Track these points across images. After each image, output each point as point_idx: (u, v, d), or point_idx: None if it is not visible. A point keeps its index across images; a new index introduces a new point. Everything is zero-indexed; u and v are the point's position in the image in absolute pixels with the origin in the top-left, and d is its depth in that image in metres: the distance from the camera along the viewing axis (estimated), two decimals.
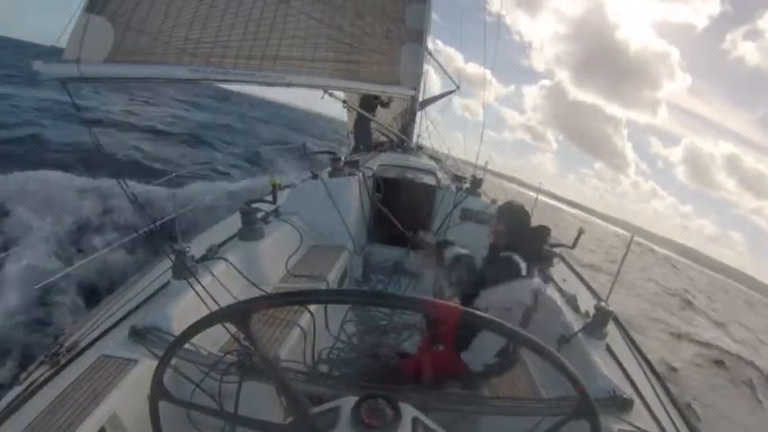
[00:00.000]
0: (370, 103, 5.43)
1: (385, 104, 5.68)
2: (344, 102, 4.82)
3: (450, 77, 6.22)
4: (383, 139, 6.13)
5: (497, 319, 0.67)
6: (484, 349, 1.69)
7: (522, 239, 1.77)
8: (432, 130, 6.28)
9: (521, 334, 0.69)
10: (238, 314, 0.72)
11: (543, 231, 1.85)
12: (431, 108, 6.31)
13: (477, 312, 0.67)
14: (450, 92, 6.28)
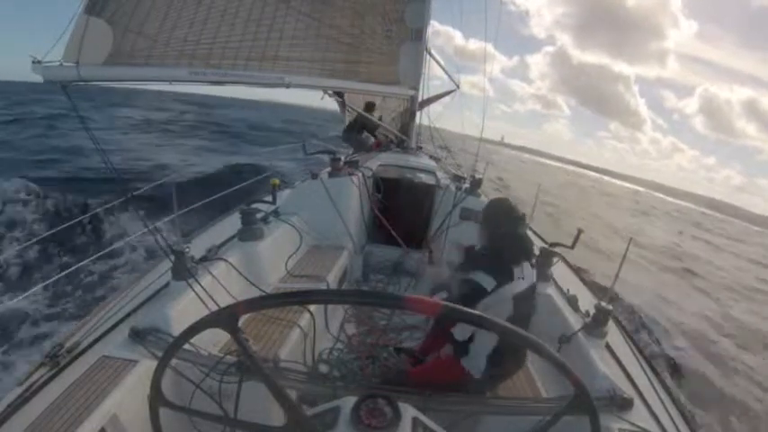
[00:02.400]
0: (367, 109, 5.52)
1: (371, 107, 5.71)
2: (342, 102, 4.82)
3: (450, 77, 6.20)
4: (381, 138, 6.11)
5: (483, 314, 0.67)
6: (478, 352, 1.67)
7: (502, 240, 1.68)
8: (432, 129, 6.27)
9: (509, 328, 0.68)
10: (223, 320, 0.73)
11: (519, 220, 1.75)
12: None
13: (463, 308, 0.66)
14: (451, 91, 6.26)
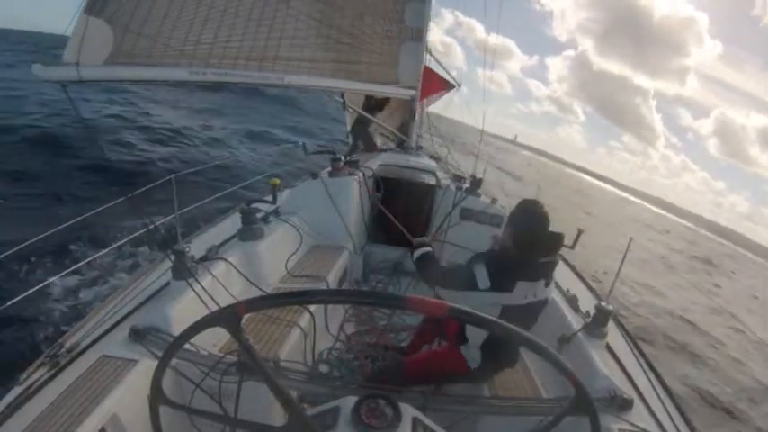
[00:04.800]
0: (370, 106, 5.48)
1: (380, 107, 5.69)
2: (343, 103, 4.81)
3: (451, 77, 6.22)
4: (379, 143, 6.11)
5: (490, 317, 0.67)
6: (472, 342, 1.69)
7: (533, 247, 1.54)
8: (432, 133, 6.29)
9: (511, 329, 0.69)
10: (226, 318, 0.73)
11: (558, 239, 1.62)
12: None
13: (470, 310, 0.66)
14: (452, 88, 6.28)
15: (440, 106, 6.53)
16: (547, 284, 1.64)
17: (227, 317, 0.73)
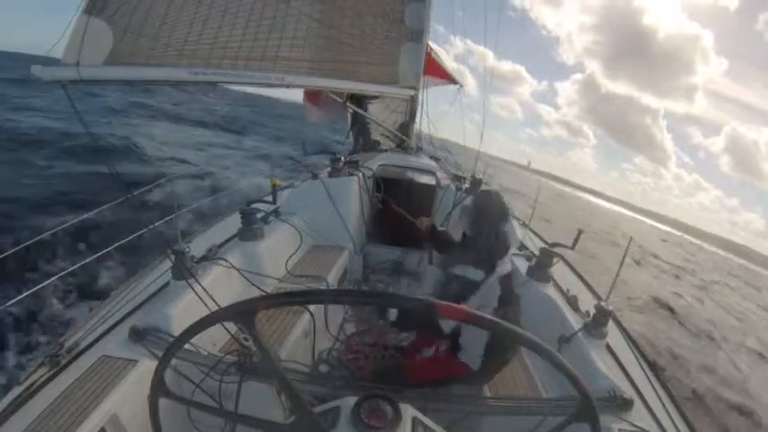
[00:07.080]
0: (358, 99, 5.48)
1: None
2: (343, 102, 4.82)
3: (453, 78, 6.24)
4: (381, 140, 6.13)
5: (501, 321, 0.68)
6: (472, 345, 1.72)
7: (488, 238, 1.78)
8: (432, 129, 6.31)
9: (524, 335, 0.70)
10: (245, 313, 0.72)
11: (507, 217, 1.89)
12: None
13: (481, 314, 0.67)
14: (453, 82, 6.30)
15: (448, 133, 6.52)
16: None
17: (244, 312, 0.72)
